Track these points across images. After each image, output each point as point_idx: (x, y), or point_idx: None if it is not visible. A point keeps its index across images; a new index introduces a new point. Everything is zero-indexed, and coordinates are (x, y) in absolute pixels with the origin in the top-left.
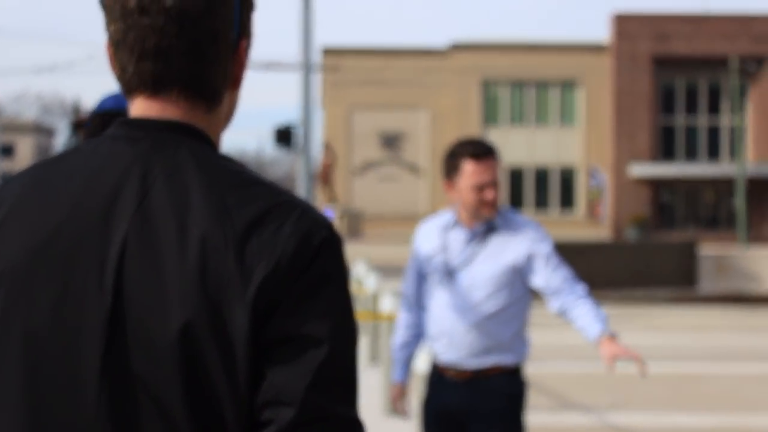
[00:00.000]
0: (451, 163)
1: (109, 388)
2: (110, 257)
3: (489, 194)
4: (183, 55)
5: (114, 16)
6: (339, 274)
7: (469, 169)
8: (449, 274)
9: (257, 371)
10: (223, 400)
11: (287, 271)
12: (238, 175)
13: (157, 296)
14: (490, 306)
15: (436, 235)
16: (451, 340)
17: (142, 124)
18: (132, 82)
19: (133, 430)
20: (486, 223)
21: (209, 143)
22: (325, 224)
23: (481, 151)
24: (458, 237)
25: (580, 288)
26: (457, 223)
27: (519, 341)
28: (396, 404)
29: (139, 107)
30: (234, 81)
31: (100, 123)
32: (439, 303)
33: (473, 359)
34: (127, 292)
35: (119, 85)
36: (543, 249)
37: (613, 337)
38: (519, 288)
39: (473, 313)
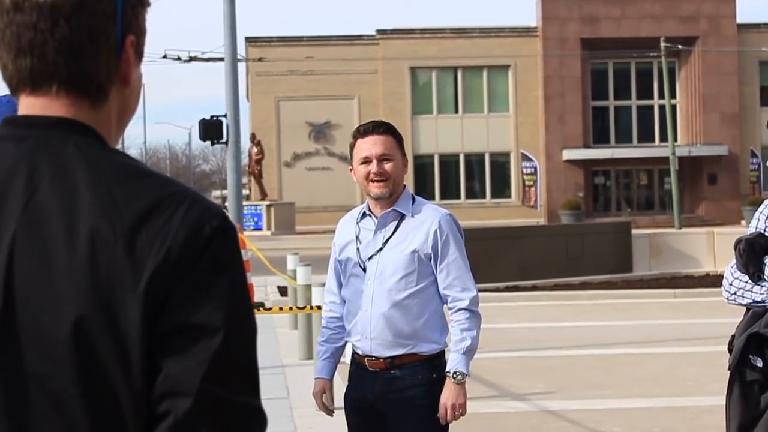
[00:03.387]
0: (350, 150)
1: (3, 388)
2: (0, 258)
3: (373, 167)
4: (58, 51)
5: None
6: (232, 262)
7: (356, 148)
8: (360, 264)
9: (153, 364)
10: (120, 394)
11: (178, 262)
12: (128, 168)
13: (48, 294)
14: (398, 294)
15: (351, 225)
16: (363, 330)
17: (27, 122)
18: (13, 80)
19: (30, 429)
20: (392, 210)
21: (98, 138)
22: (216, 213)
23: (366, 127)
24: (367, 226)
25: (465, 296)
26: (367, 212)
27: (435, 329)
28: (318, 401)
29: (24, 105)
30: (122, 77)
31: None
32: (352, 293)
33: (387, 348)
34: (18, 292)
35: (5, 84)
36: (444, 240)
37: (458, 378)
38: (428, 276)
39: (382, 302)
